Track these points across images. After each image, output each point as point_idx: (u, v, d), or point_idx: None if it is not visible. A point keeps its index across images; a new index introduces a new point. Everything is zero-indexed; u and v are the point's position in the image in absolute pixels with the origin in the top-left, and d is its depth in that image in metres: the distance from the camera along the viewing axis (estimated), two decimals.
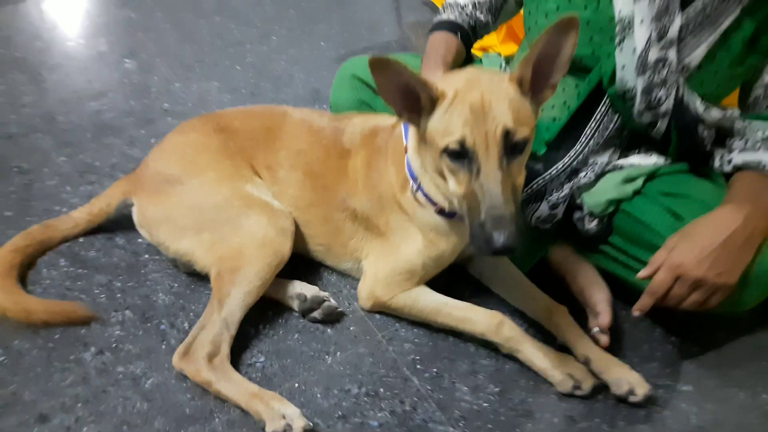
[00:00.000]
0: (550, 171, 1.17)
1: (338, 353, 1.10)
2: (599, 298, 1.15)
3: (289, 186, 1.19)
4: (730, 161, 1.11)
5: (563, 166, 1.17)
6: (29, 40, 1.83)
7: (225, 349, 1.02)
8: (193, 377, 0.99)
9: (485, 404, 1.05)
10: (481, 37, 1.35)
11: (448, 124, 0.90)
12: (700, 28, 1.04)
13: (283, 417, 0.93)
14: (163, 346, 1.06)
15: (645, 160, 1.18)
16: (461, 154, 0.90)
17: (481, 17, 1.28)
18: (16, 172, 1.37)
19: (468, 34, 1.27)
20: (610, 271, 1.19)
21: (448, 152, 0.91)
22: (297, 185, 1.18)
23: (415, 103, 0.93)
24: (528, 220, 1.21)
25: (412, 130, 1.03)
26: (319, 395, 1.02)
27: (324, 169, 1.17)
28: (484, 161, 0.89)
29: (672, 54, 1.04)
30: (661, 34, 1.04)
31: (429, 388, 1.06)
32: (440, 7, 1.32)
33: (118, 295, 1.14)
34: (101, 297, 1.13)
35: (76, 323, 1.07)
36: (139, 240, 1.24)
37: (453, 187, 0.94)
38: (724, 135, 1.15)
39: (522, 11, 1.28)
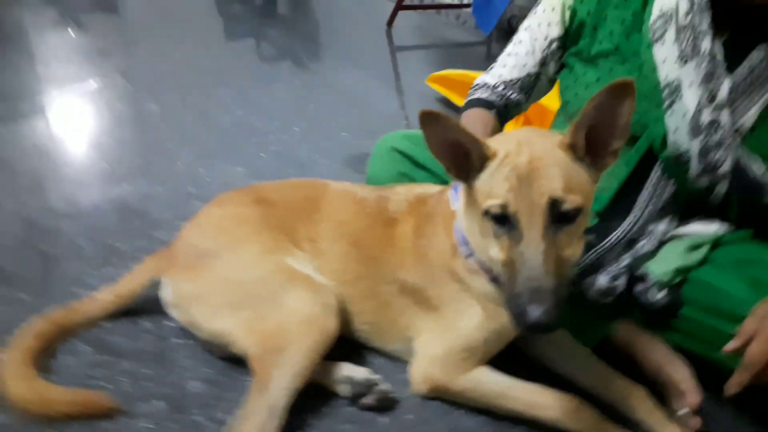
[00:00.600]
0: (603, 243, 1.12)
1: None
2: (682, 376, 1.05)
3: (332, 259, 1.12)
4: None
5: (618, 237, 1.13)
6: (53, 129, 1.83)
7: None
8: None
9: None
10: (513, 116, 1.35)
11: (492, 186, 0.86)
12: (750, 90, 1.04)
13: None
14: None
15: (706, 228, 1.14)
16: (503, 219, 0.85)
17: (513, 96, 1.28)
18: (37, 255, 1.29)
19: (501, 112, 1.28)
20: (685, 348, 1.10)
21: (490, 215, 0.86)
22: (341, 257, 1.11)
23: (464, 160, 0.90)
24: (585, 295, 1.14)
25: (461, 190, 0.99)
26: None
27: (369, 240, 1.11)
28: (526, 229, 0.83)
29: (725, 116, 1.04)
30: (712, 97, 1.03)
31: None
32: (471, 88, 1.33)
33: (147, 384, 1.02)
34: (127, 386, 1.01)
35: (101, 416, 0.95)
36: (168, 323, 1.14)
37: (494, 252, 0.88)
38: None
39: (556, 87, 1.30)
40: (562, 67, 1.25)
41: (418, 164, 1.29)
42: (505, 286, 0.86)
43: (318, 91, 2.46)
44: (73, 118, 1.92)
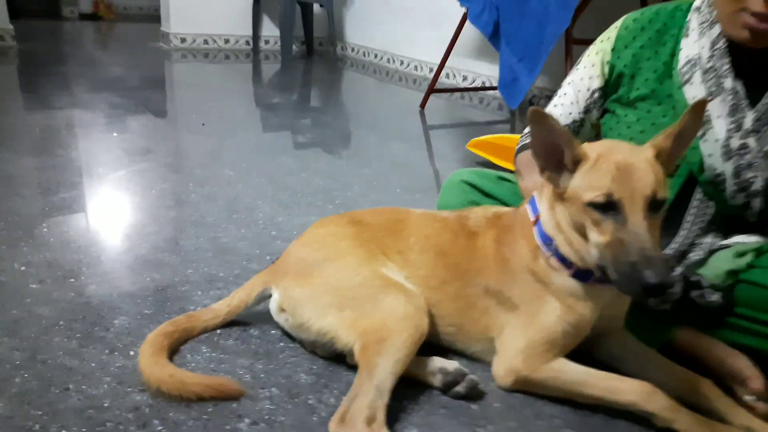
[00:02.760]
0: None
1: (488, 426, 1.07)
2: (743, 364, 1.15)
3: (420, 267, 1.26)
4: None
5: (672, 252, 1.26)
6: (150, 185, 2.07)
7: (381, 416, 1.00)
8: None
9: None
10: None
11: (593, 180, 1.03)
12: None
13: None
14: (314, 418, 1.05)
15: (749, 239, 1.27)
16: (606, 207, 1.01)
17: None
18: (149, 282, 1.46)
19: None
20: (741, 344, 1.20)
21: (593, 204, 1.02)
22: (428, 265, 1.26)
23: (557, 161, 1.07)
24: (647, 303, 1.25)
25: (547, 193, 1.15)
26: None
27: (453, 249, 1.25)
28: (630, 213, 0.99)
29: (752, 141, 1.19)
30: (738, 126, 1.20)
31: None
32: (522, 135, 1.53)
33: (262, 376, 1.15)
34: (246, 377, 1.14)
35: (227, 397, 1.08)
36: (273, 331, 1.29)
37: (595, 238, 1.03)
38: None
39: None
40: (604, 112, 1.43)
41: (485, 193, 1.47)
42: (611, 264, 1.00)
43: (370, 159, 2.72)
44: (168, 182, 2.17)
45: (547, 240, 1.14)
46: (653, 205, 1.01)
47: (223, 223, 1.84)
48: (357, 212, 1.39)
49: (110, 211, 1.91)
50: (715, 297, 1.21)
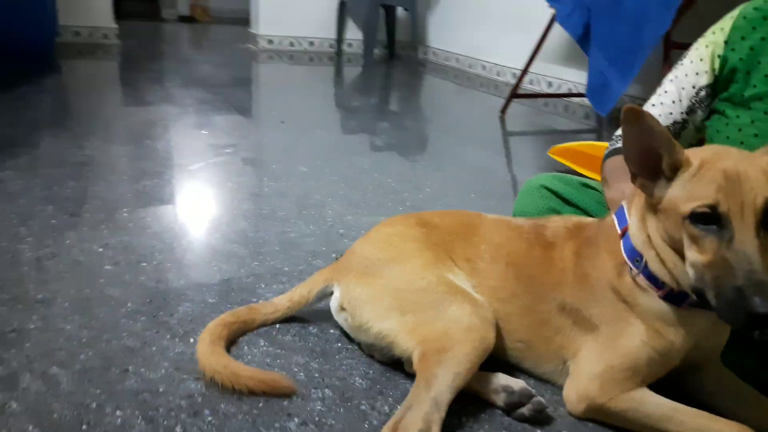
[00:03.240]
0: None
1: None
2: None
3: (489, 277, 1.18)
4: None
5: None
6: (228, 178, 2.11)
7: (436, 430, 0.94)
8: None
9: None
10: None
11: (695, 190, 0.90)
12: None
13: None
14: (366, 425, 1.00)
15: None
16: (710, 220, 0.88)
17: None
18: (216, 271, 1.47)
19: None
20: None
21: (693, 217, 0.89)
22: (498, 276, 1.17)
23: (652, 167, 0.96)
24: (752, 337, 1.11)
25: (637, 204, 1.04)
26: None
27: (527, 260, 1.16)
28: (738, 228, 0.86)
29: None
30: None
31: None
32: (613, 139, 1.40)
33: (316, 375, 1.11)
34: (300, 375, 1.11)
35: (279, 394, 1.05)
36: (332, 331, 1.25)
37: (694, 256, 0.91)
38: None
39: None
40: (710, 114, 1.29)
41: (567, 201, 1.36)
42: (712, 287, 0.87)
43: (444, 162, 2.64)
44: (244, 176, 2.20)
45: (636, 256, 1.03)
46: (767, 220, 0.88)
47: (293, 218, 1.83)
48: (426, 213, 1.32)
49: (187, 201, 1.96)
50: None
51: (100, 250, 1.53)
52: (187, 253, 1.56)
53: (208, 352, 1.09)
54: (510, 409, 1.06)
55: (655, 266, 1.00)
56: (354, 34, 5.94)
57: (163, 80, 3.89)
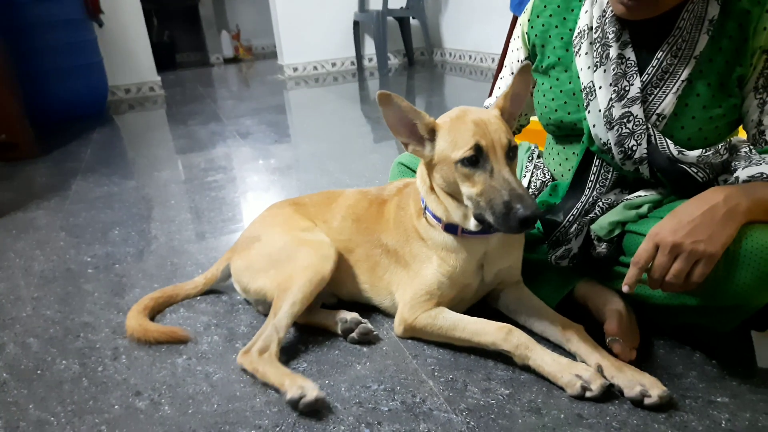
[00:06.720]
0: (567, 218, 1.29)
1: (367, 363, 1.26)
2: (609, 308, 1.18)
3: (340, 232, 1.45)
4: (736, 180, 1.14)
5: (577, 212, 1.30)
6: (271, 177, 2.53)
7: (273, 348, 1.24)
8: (247, 367, 1.23)
9: (492, 401, 1.10)
10: (519, 131, 1.64)
11: (457, 139, 1.14)
12: (662, 82, 1.18)
13: (301, 387, 1.11)
14: (233, 356, 1.33)
15: (647, 193, 1.26)
16: (475, 160, 1.11)
17: None
18: (169, 266, 1.87)
19: None
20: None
21: (463, 161, 1.12)
22: (346, 230, 1.44)
23: (417, 135, 1.20)
24: (550, 261, 1.32)
25: (421, 165, 1.29)
26: (343, 389, 1.18)
27: (367, 215, 1.43)
28: (494, 161, 1.10)
29: (636, 109, 1.18)
30: (621, 95, 1.20)
31: (441, 387, 1.15)
32: None
33: (212, 328, 1.46)
34: (200, 328, 1.46)
35: (176, 341, 1.40)
36: (237, 297, 1.60)
37: (468, 190, 1.14)
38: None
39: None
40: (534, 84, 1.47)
41: (414, 171, 1.62)
42: (487, 207, 1.10)
43: None
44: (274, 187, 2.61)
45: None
46: (510, 152, 1.12)
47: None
48: (300, 197, 1.64)
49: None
50: (601, 248, 1.25)
51: (88, 259, 1.98)
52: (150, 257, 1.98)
53: (131, 317, 1.47)
54: (345, 334, 1.35)
55: (433, 206, 1.26)
56: (372, 49, 6.30)
57: (206, 119, 4.31)
